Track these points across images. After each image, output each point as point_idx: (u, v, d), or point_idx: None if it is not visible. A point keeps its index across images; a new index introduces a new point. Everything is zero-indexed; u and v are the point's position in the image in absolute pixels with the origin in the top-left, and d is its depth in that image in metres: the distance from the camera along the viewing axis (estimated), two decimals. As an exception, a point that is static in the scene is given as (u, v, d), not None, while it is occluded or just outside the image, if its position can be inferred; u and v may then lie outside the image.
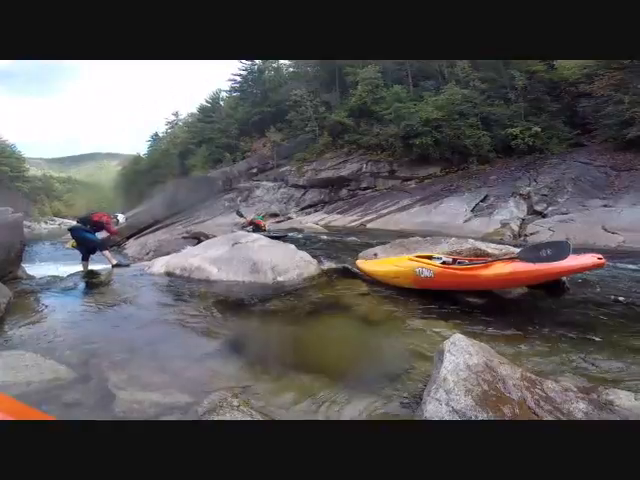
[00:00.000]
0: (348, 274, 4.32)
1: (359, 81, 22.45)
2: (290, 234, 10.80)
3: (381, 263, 4.07)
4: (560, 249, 2.71)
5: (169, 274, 4.42)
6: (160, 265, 4.66)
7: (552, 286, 3.32)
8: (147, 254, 10.32)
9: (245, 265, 4.18)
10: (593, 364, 2.07)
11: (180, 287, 3.94)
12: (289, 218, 19.04)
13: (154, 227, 18.51)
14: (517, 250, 3.34)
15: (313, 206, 21.22)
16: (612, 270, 4.89)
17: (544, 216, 12.65)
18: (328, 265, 4.60)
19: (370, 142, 21.15)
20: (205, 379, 2.00)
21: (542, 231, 11.14)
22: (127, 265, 5.33)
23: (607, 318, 2.84)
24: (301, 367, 2.11)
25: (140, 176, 38.91)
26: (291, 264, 4.27)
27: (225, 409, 1.61)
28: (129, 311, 3.28)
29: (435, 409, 1.41)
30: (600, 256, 2.70)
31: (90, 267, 5.03)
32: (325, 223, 16.55)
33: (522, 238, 11.20)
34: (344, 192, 21.11)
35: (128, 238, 16.37)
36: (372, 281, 3.96)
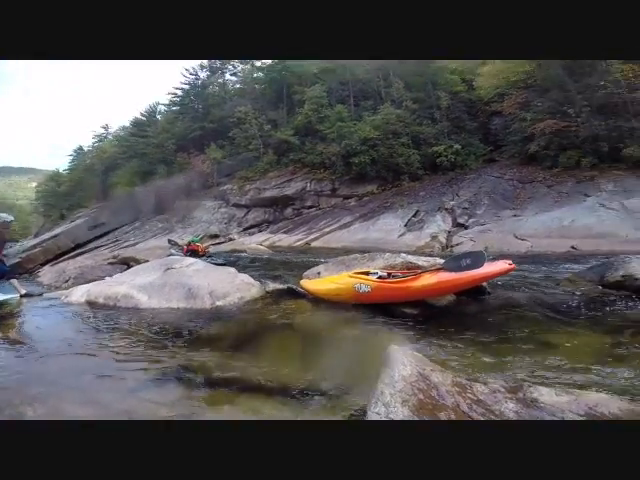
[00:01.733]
0: (293, 294, 4.29)
1: (306, 100, 23.03)
2: (231, 257, 10.40)
3: (323, 282, 4.13)
4: (477, 258, 3.05)
5: (90, 303, 3.94)
6: (80, 294, 4.14)
7: (475, 291, 3.69)
8: (66, 282, 9.10)
9: (179, 291, 3.91)
10: (516, 362, 2.26)
11: (104, 316, 3.53)
12: (231, 239, 18.44)
13: (75, 252, 16.50)
14: (442, 261, 3.65)
15: (257, 226, 20.87)
16: (523, 272, 5.63)
17: (466, 227, 14.00)
18: (272, 287, 4.51)
19: (314, 161, 21.62)
20: (142, 410, 1.80)
21: (465, 241, 12.35)
22: (39, 294, 4.64)
23: (523, 316, 3.20)
24: (247, 389, 2.02)
25: (60, 197, 34.55)
26: (231, 288, 4.10)
27: None
28: (44, 343, 2.86)
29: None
30: (510, 262, 3.11)
31: None
32: (270, 243, 16.35)
33: (449, 249, 12.25)
34: (289, 211, 21.18)
35: (43, 264, 14.32)
36: (316, 299, 3.98)
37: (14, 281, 4.47)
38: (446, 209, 15.82)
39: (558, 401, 1.51)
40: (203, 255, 8.70)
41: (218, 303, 3.83)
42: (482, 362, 2.30)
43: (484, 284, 3.73)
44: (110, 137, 39.89)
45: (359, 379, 2.10)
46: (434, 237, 13.45)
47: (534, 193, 14.57)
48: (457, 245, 12.24)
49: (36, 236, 27.55)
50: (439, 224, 14.71)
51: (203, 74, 31.90)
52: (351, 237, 15.42)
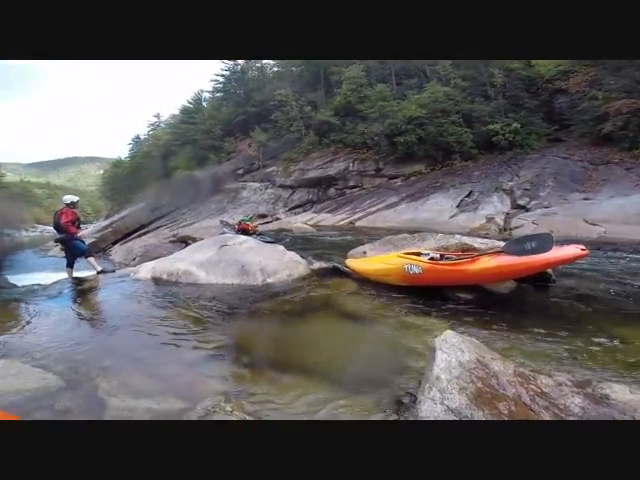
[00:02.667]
0: (338, 273, 4.30)
1: (343, 80, 22.50)
2: (278, 236, 10.70)
3: (370, 261, 4.07)
4: (544, 241, 2.76)
5: (156, 279, 4.32)
6: (146, 270, 4.56)
7: (539, 278, 3.38)
8: (133, 259, 10.09)
9: (233, 267, 4.12)
10: (584, 357, 2.08)
11: (168, 292, 3.86)
12: (277, 219, 18.95)
13: (140, 232, 18.14)
14: (503, 244, 3.38)
15: (301, 206, 21.17)
16: (596, 260, 5.03)
17: (527, 210, 12.94)
18: (318, 265, 4.55)
19: (356, 141, 21.23)
20: (197, 384, 1.97)
21: (526, 224, 11.40)
22: (112, 271, 5.20)
23: (594, 309, 2.90)
24: (294, 368, 2.09)
25: (124, 182, 37.91)
26: (280, 265, 4.23)
27: (218, 414, 1.58)
28: (116, 318, 3.20)
29: (430, 408, 1.40)
30: (583, 247, 2.77)
31: (75, 274, 4.90)
32: (314, 222, 16.53)
33: (507, 232, 11.43)
34: (332, 191, 21.13)
35: (114, 244, 16.01)
36: (362, 279, 3.95)
37: (91, 259, 5.04)
38: (504, 190, 14.72)
39: (632, 399, 1.40)
40: (253, 233, 9.06)
41: (268, 280, 3.98)
42: (545, 354, 2.14)
43: (549, 271, 3.40)
44: (163, 125, 42.29)
45: (404, 363, 2.07)
46: (490, 219, 12.62)
47: (609, 175, 13.07)
48: (517, 228, 11.37)
49: (106, 218, 30.70)
50: (495, 205, 13.76)
51: (241, 60, 32.18)
52: (398, 217, 15.02)
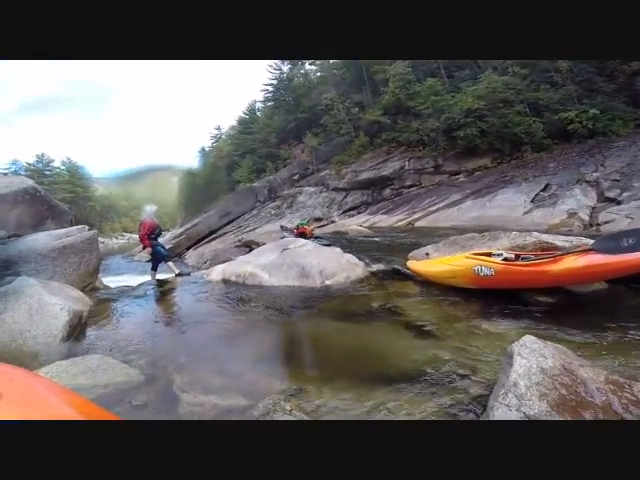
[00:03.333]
0: (399, 275, 4.20)
1: (389, 78, 22.00)
2: (332, 239, 10.78)
3: (434, 263, 3.90)
4: (645, 237, 2.39)
5: (225, 281, 4.67)
6: (217, 273, 4.95)
7: (636, 279, 2.91)
8: (205, 263, 11.05)
9: (294, 270, 4.28)
10: None
11: (236, 293, 4.14)
12: (332, 222, 19.13)
13: (209, 237, 19.77)
14: (591, 241, 2.99)
15: (356, 208, 21.08)
16: None
17: (618, 203, 11.21)
18: (376, 267, 4.50)
19: (410, 139, 20.62)
20: (260, 382, 2.06)
21: (618, 219, 9.87)
22: (188, 274, 5.72)
23: None
24: (354, 372, 2.09)
25: (196, 192, 41.46)
26: (338, 267, 4.28)
27: (278, 412, 1.65)
28: (191, 316, 3.50)
29: (504, 415, 1.31)
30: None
31: (157, 276, 5.52)
32: (370, 224, 16.29)
33: (594, 228, 10.02)
34: (387, 192, 20.71)
35: (188, 249, 17.71)
36: (425, 282, 3.80)
37: (170, 263, 5.61)
38: (587, 182, 12.96)
39: None
40: (310, 237, 9.26)
41: (327, 282, 4.05)
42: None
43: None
44: (224, 137, 45.21)
45: (476, 370, 1.95)
46: (572, 214, 11.18)
47: None
48: (606, 223, 9.90)
49: (181, 226, 34.04)
50: (578, 199, 12.15)
51: (286, 68, 33.03)
52: (462, 215, 14.06)
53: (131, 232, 52.79)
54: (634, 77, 16.20)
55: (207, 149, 48.77)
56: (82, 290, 4.20)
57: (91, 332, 3.10)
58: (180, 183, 51.19)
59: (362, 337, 2.71)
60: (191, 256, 14.21)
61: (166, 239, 18.62)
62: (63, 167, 49.40)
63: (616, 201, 11.41)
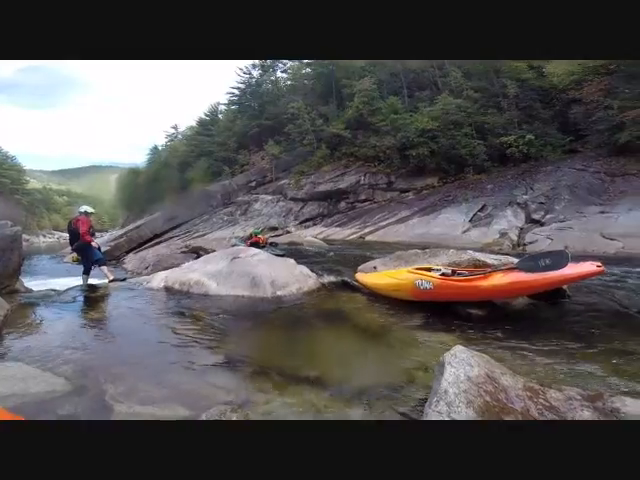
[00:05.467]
0: (348, 287, 4.31)
1: (355, 93, 22.71)
2: (287, 249, 10.77)
3: (380, 276, 4.07)
4: (559, 258, 2.74)
5: (168, 289, 4.41)
6: (159, 280, 4.65)
7: (553, 295, 3.32)
8: (146, 268, 10.29)
9: (244, 279, 4.17)
10: (597, 372, 2.05)
11: (179, 301, 3.92)
12: (288, 232, 19.06)
13: (153, 241, 18.51)
14: (516, 260, 3.35)
15: (312, 219, 21.24)
16: (613, 276, 4.90)
17: (542, 224, 12.63)
18: (328, 279, 4.60)
19: (367, 154, 21.27)
20: (204, 393, 1.98)
21: (541, 240, 11.15)
22: (123, 279, 5.32)
23: (609, 325, 2.83)
24: (302, 379, 2.10)
25: (140, 192, 38.85)
26: (290, 278, 4.27)
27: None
28: (127, 325, 3.27)
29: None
30: (599, 264, 2.73)
31: (90, 281, 5.05)
32: (324, 236, 16.52)
33: (521, 247, 11.17)
34: (343, 205, 21.17)
35: (128, 252, 16.38)
36: (372, 294, 3.95)
37: (104, 267, 5.17)
38: (518, 204, 14.43)
39: None
40: (264, 245, 9.12)
41: (278, 293, 4.01)
42: (558, 370, 2.11)
43: (564, 287, 3.34)
44: (180, 137, 43.32)
45: (413, 377, 2.06)
46: (503, 234, 12.38)
47: (627, 187, 12.64)
48: (531, 243, 11.12)
49: (122, 227, 31.52)
50: (509, 220, 13.50)
51: (256, 72, 32.90)
52: (409, 232, 14.88)
53: (62, 231, 47.77)
54: (569, 105, 17.59)
55: (161, 147, 46.20)
56: (-1, 293, 3.71)
57: (8, 338, 2.79)
58: (120, 181, 47.70)
59: (309, 345, 2.73)
60: (131, 260, 13.15)
61: (104, 240, 17.12)
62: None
63: (540, 223, 12.82)
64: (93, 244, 5.04)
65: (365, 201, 20.68)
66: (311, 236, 16.00)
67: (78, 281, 5.16)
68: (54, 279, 9.44)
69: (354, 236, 16.24)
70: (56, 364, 2.31)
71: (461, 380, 1.51)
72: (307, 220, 21.27)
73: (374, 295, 3.90)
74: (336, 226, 18.72)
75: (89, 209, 5.26)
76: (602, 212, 11.90)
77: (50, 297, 4.28)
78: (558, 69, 17.65)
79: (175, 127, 44.78)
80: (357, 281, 4.29)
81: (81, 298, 4.28)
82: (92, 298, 4.26)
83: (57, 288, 4.99)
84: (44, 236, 45.42)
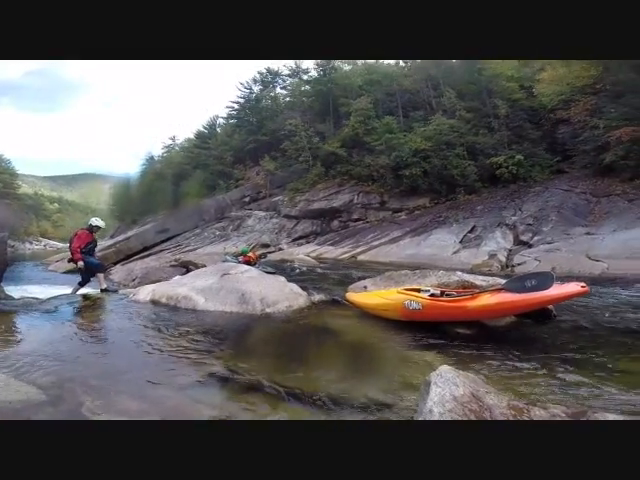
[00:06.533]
0: (338, 306, 4.31)
1: (352, 112, 23.07)
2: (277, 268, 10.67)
3: (370, 296, 4.09)
4: (544, 279, 2.80)
5: (155, 302, 4.32)
6: (146, 293, 4.57)
7: (539, 314, 3.37)
8: (133, 280, 10.09)
9: (233, 296, 4.13)
10: (582, 389, 2.07)
11: (165, 316, 3.85)
12: (280, 249, 18.98)
13: (143, 253, 18.25)
14: (503, 281, 3.40)
15: (305, 237, 21.22)
16: (597, 297, 5.03)
17: (530, 246, 12.79)
18: (318, 297, 4.60)
19: (362, 173, 21.50)
20: (187, 409, 1.92)
21: (529, 261, 11.31)
22: (115, 291, 5.24)
23: (593, 344, 2.89)
24: (287, 397, 2.06)
25: (133, 203, 38.36)
26: (280, 296, 4.24)
27: None
28: (110, 337, 3.20)
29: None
30: (584, 284, 2.80)
31: (70, 291, 4.98)
32: (317, 255, 16.48)
33: (509, 269, 11.29)
34: (336, 223, 21.23)
35: (116, 263, 16.08)
36: (362, 313, 3.95)
37: (100, 276, 5.14)
38: (507, 225, 14.67)
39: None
40: (256, 262, 8.98)
41: (268, 310, 3.97)
42: (543, 387, 2.12)
43: (550, 307, 3.40)
44: (177, 148, 43.20)
45: (401, 396, 2.05)
46: (492, 255, 12.54)
47: (612, 208, 12.94)
48: (519, 265, 11.27)
49: (112, 237, 31.06)
50: (498, 241, 13.68)
51: (256, 88, 33.55)
52: (400, 252, 14.95)
53: (49, 238, 46.73)
54: (557, 125, 17.98)
55: (157, 158, 46.06)
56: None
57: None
58: (113, 192, 47.30)
59: (296, 362, 2.69)
60: (118, 272, 12.87)
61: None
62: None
63: (528, 244, 13.00)
64: (80, 263, 4.95)
65: (358, 220, 20.81)
66: (303, 254, 15.97)
67: (61, 290, 5.06)
68: (37, 287, 9.21)
69: (346, 255, 16.24)
70: (31, 373, 2.23)
71: (446, 400, 1.51)
72: (300, 238, 21.25)
73: (364, 315, 3.90)
74: (329, 245, 18.71)
75: (100, 223, 5.30)
76: (588, 233, 12.14)
77: (31, 305, 4.17)
78: (547, 89, 17.97)
79: (173, 138, 44.92)
80: (347, 300, 4.30)
81: (63, 308, 4.17)
82: (75, 308, 4.17)
83: (39, 296, 4.89)
84: (30, 243, 44.47)
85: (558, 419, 1.44)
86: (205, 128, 37.41)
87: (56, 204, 69.08)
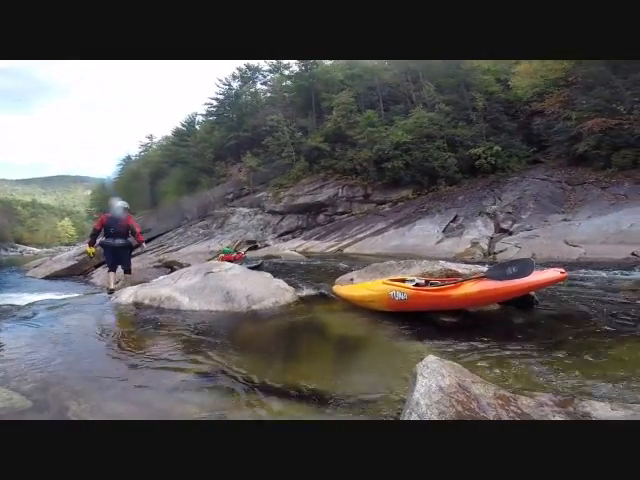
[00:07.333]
0: (325, 300, 4.30)
1: (334, 106, 23.22)
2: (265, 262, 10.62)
3: (357, 288, 4.10)
4: (524, 266, 2.85)
5: (137, 304, 4.22)
6: (128, 295, 4.45)
7: (522, 301, 3.45)
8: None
9: (218, 294, 4.06)
10: (567, 375, 2.10)
11: (148, 317, 3.76)
12: (266, 245, 18.87)
13: (124, 255, 17.69)
14: (486, 269, 3.46)
15: (290, 232, 21.20)
16: (578, 281, 5.22)
17: (510, 233, 13.23)
18: (306, 292, 4.59)
19: (345, 167, 21.69)
20: (176, 410, 1.88)
21: (509, 248, 11.64)
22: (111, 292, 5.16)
23: (576, 329, 2.95)
24: (277, 393, 2.04)
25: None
26: (266, 292, 4.20)
27: None
28: (92, 341, 3.10)
29: (410, 434, 1.38)
30: (562, 270, 2.87)
31: (50, 297, 4.81)
32: (303, 249, 16.51)
33: (491, 256, 11.59)
34: (321, 217, 21.34)
35: (97, 266, 15.56)
36: (349, 306, 3.95)
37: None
38: (487, 214, 15.10)
39: (614, 416, 1.43)
40: (241, 260, 8.83)
41: (254, 307, 3.93)
42: (529, 375, 2.15)
43: (532, 293, 3.48)
44: (155, 147, 42.11)
45: (390, 388, 2.05)
46: (475, 243, 12.86)
47: (586, 195, 13.54)
48: (500, 252, 11.58)
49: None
50: (480, 230, 14.06)
51: (236, 84, 33.05)
52: (385, 244, 15.14)
53: (26, 244, 44.84)
54: (532, 117, 18.74)
55: (134, 158, 44.66)
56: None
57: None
58: (94, 195, 45.88)
59: (285, 358, 2.67)
60: (100, 275, 12.47)
61: (71, 254, 16.22)
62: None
63: (508, 232, 13.45)
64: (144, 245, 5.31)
65: (343, 213, 20.95)
66: (290, 249, 15.92)
67: (40, 297, 4.87)
68: (14, 294, 8.83)
69: (333, 249, 16.31)
70: (13, 380, 2.16)
71: (433, 391, 1.51)
72: (286, 233, 21.19)
73: (351, 307, 3.91)
74: (315, 239, 18.76)
75: (123, 203, 5.37)
76: (565, 220, 12.64)
77: (9, 312, 4.04)
78: (522, 82, 18.62)
79: (150, 137, 43.87)
80: (335, 293, 4.30)
81: (43, 314, 4.03)
82: (55, 313, 4.04)
83: (17, 303, 4.71)
84: (5, 250, 42.62)
85: (549, 419, 1.45)
86: (183, 125, 36.55)
87: (29, 208, 66.34)
